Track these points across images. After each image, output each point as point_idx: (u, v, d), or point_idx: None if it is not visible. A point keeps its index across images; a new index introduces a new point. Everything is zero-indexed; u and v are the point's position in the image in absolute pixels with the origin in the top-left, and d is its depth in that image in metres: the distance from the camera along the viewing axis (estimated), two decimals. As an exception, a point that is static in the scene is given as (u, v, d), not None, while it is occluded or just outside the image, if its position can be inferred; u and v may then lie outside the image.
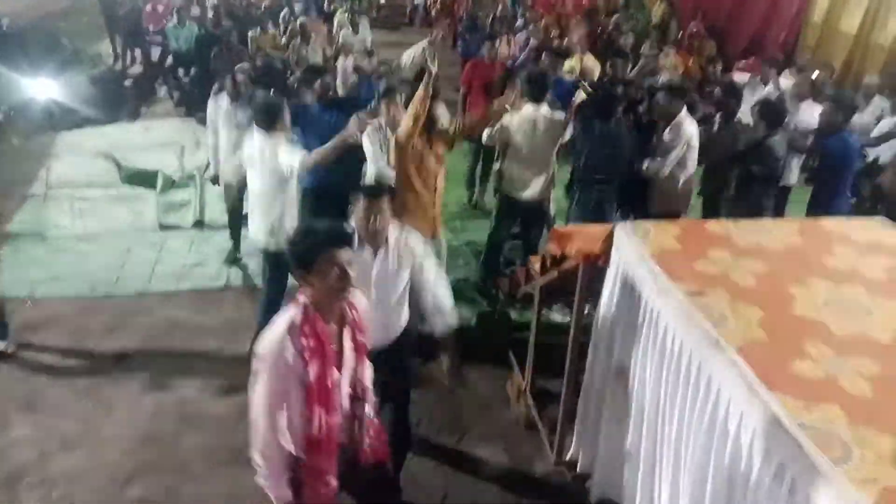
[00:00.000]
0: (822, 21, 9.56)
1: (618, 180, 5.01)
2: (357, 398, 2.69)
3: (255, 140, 4.29)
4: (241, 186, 5.37)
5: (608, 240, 3.39)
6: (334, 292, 2.42)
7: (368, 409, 2.74)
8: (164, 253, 6.04)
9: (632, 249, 3.19)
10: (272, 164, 4.20)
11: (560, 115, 5.08)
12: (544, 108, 5.03)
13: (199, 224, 6.45)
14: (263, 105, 4.34)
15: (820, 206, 5.11)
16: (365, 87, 5.61)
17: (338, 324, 2.55)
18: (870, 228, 3.48)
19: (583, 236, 3.58)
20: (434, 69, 4.33)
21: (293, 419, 2.45)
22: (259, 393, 2.42)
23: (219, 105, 5.51)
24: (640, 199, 5.27)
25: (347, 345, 2.58)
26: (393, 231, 3.25)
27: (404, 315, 3.39)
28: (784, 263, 3.10)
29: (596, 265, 3.46)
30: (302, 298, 2.46)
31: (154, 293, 5.48)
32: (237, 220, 5.73)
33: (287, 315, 2.45)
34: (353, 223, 3.20)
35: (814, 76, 7.69)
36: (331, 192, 4.63)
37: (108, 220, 6.48)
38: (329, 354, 2.47)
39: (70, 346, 4.82)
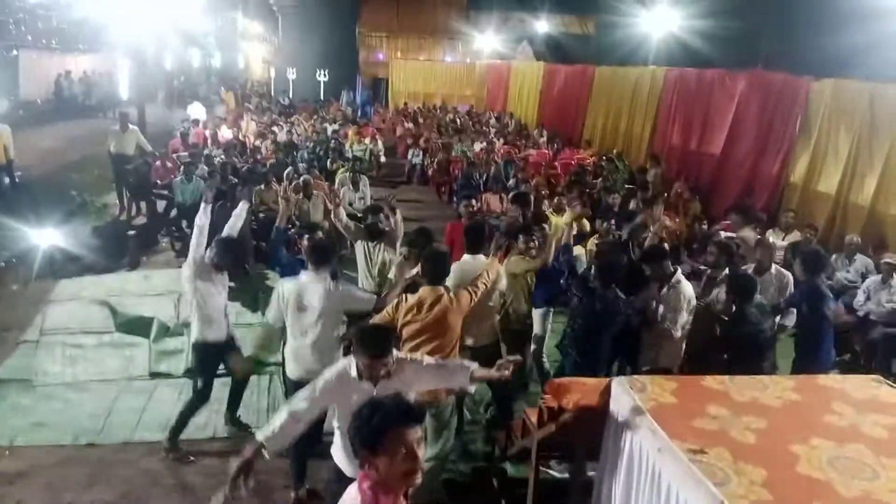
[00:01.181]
0: (801, 182, 10.05)
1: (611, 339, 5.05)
2: None
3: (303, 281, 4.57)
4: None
5: (605, 393, 3.37)
6: (403, 475, 2.18)
7: None
8: (153, 401, 5.92)
9: (629, 404, 3.16)
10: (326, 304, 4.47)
11: (494, 262, 5.09)
12: (480, 258, 5.14)
13: (190, 372, 6.37)
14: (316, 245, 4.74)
15: (805, 359, 5.24)
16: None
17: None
18: (866, 386, 3.49)
19: (580, 389, 3.56)
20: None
21: None
22: None
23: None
24: (633, 351, 5.29)
25: None
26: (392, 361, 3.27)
27: None
28: (784, 421, 3.07)
29: (594, 419, 3.42)
30: (365, 484, 2.21)
31: (139, 442, 5.32)
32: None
33: None
34: (355, 360, 3.23)
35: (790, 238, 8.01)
36: None
37: (99, 367, 6.39)
38: None
39: (47, 499, 4.59)
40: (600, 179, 11.73)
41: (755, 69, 12.17)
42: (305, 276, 4.63)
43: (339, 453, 3.51)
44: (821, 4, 16.83)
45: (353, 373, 3.28)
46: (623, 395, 3.25)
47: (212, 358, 5.29)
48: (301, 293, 4.57)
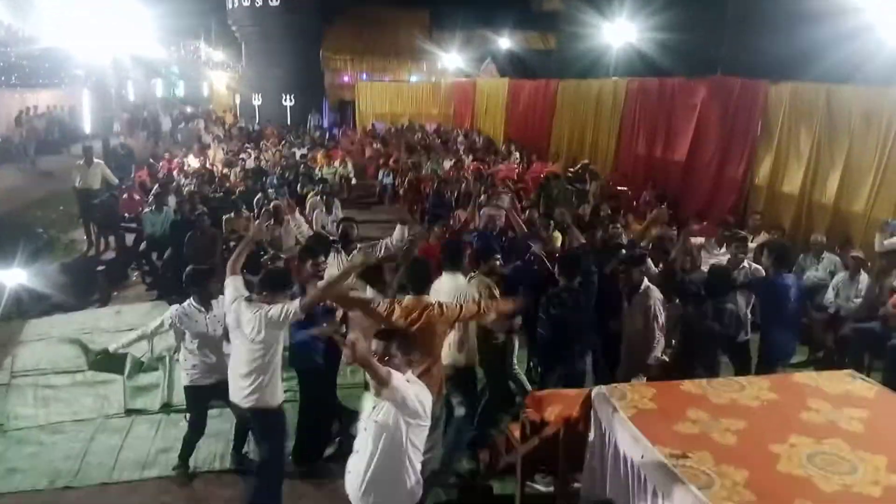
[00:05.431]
0: (765, 184, 10.22)
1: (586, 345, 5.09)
2: None
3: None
4: None
5: (586, 403, 3.38)
6: None
7: None
8: (130, 439, 5.79)
9: (611, 413, 3.18)
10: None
11: (466, 285, 5.06)
12: (459, 277, 5.07)
13: (167, 408, 6.26)
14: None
15: (767, 343, 5.53)
16: None
17: None
18: (840, 381, 3.55)
19: (561, 401, 3.57)
20: None
21: None
22: None
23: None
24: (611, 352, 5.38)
25: None
26: None
27: None
28: (762, 420, 3.11)
29: (577, 430, 3.43)
30: None
31: (117, 482, 5.20)
32: None
33: None
34: None
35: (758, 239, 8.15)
36: None
37: (73, 408, 6.25)
38: None
39: (23, 547, 4.48)
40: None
41: (714, 75, 12.40)
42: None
43: None
44: (774, 9, 17.23)
45: None
46: (604, 404, 3.26)
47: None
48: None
